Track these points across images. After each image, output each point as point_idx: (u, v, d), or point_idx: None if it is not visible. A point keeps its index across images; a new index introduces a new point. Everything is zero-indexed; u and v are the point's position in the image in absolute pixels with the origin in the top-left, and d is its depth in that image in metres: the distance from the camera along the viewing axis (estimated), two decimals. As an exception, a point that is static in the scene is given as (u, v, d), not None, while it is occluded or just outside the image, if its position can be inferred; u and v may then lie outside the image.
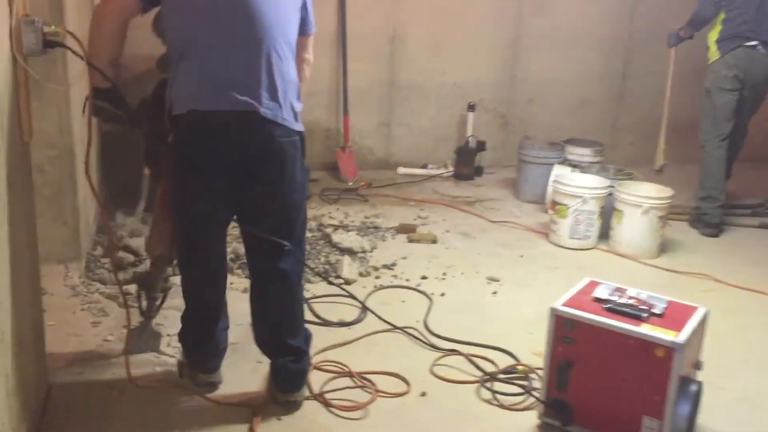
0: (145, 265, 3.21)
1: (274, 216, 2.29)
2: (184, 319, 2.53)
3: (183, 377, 2.54)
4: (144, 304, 2.69)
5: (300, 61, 2.37)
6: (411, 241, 4.01)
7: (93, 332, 2.86)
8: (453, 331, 2.99)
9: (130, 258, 3.47)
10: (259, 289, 2.43)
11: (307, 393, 2.50)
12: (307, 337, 2.54)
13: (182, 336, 2.56)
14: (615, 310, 2.26)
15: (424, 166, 5.41)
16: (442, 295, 3.37)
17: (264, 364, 2.60)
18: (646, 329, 2.18)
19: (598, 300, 2.33)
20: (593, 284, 2.45)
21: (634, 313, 2.24)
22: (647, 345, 2.15)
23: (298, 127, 2.27)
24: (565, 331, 2.28)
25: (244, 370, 2.64)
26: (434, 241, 4.02)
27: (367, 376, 2.63)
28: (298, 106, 2.27)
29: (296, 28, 2.28)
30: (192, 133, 2.17)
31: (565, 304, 2.32)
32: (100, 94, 2.21)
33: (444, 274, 3.61)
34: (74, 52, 2.12)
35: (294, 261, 2.36)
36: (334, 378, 2.63)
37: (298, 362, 2.44)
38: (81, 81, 3.14)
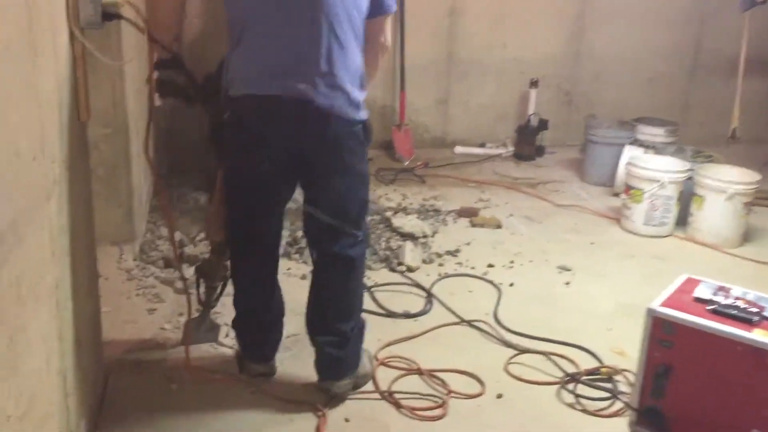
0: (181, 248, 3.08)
1: (332, 202, 2.16)
2: (235, 305, 2.42)
3: (242, 372, 2.41)
4: (203, 293, 2.55)
5: (373, 45, 2.18)
6: (474, 225, 3.81)
7: (149, 319, 2.74)
8: (525, 325, 2.79)
9: (185, 242, 3.34)
10: (318, 273, 2.31)
11: (351, 387, 2.34)
12: (360, 328, 2.38)
13: (235, 323, 2.44)
14: (721, 313, 2.04)
15: (482, 145, 5.19)
16: (511, 285, 3.17)
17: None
18: (757, 335, 1.96)
19: (700, 300, 2.11)
20: (692, 282, 2.23)
21: (743, 317, 2.02)
22: (759, 353, 1.94)
23: (361, 116, 2.12)
24: (663, 333, 2.07)
25: (308, 363, 2.49)
26: (498, 226, 3.81)
27: (438, 374, 2.46)
28: (361, 96, 2.11)
29: (365, 9, 2.09)
30: (247, 117, 2.10)
31: (663, 305, 2.10)
32: (165, 63, 2.10)
33: (511, 262, 3.41)
34: (135, 25, 1.96)
35: (354, 246, 2.23)
36: (402, 376, 2.47)
37: (339, 348, 2.28)
38: (138, 55, 3.01)
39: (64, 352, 1.70)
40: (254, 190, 2.17)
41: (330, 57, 2.01)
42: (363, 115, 2.13)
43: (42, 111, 1.54)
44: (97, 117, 2.93)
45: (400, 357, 2.56)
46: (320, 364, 2.33)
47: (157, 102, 2.18)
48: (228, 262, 2.49)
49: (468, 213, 3.94)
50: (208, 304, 2.57)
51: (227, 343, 2.59)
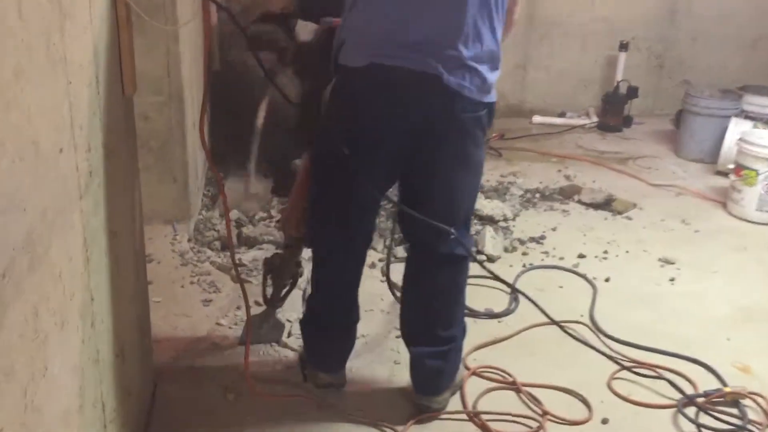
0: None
1: (444, 197, 1.87)
2: (311, 305, 2.11)
3: (307, 380, 2.12)
4: (269, 290, 2.26)
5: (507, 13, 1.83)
6: (616, 213, 3.38)
7: (203, 313, 2.47)
8: (627, 331, 2.43)
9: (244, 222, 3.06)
10: (421, 275, 2.01)
11: (449, 403, 2.06)
12: (463, 333, 2.10)
13: (305, 324, 2.13)
14: None
15: (562, 115, 4.75)
16: (607, 280, 2.80)
17: (402, 366, 2.15)
18: None
19: None
20: None
21: None
22: None
23: (489, 98, 1.80)
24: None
25: (378, 374, 2.20)
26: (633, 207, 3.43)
27: (533, 390, 2.13)
28: (494, 77, 1.79)
29: None
30: (360, 90, 1.80)
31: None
32: (270, 18, 1.95)
33: (605, 252, 3.02)
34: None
35: (459, 246, 1.93)
36: (493, 389, 2.15)
37: (442, 359, 2.01)
38: (195, 17, 2.69)
39: (102, 377, 1.43)
40: (356, 176, 1.83)
41: (470, 31, 1.71)
42: (492, 97, 1.82)
43: (72, 88, 1.24)
44: (148, 84, 2.66)
45: (492, 367, 2.23)
46: (419, 378, 2.05)
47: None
48: (300, 259, 2.20)
49: (570, 192, 3.55)
50: (274, 302, 2.29)
51: (291, 344, 2.31)
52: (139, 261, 1.88)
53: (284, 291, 2.28)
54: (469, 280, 2.69)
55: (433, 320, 2.00)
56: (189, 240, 2.93)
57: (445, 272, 1.96)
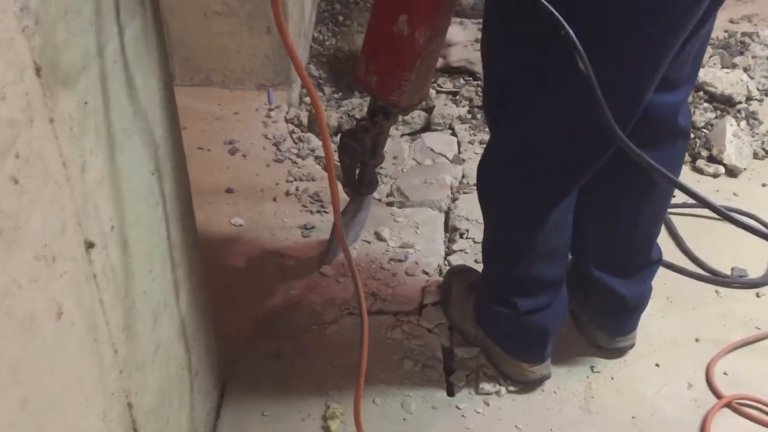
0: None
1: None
2: (502, 252, 1.32)
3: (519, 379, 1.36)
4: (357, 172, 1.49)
5: None
6: None
7: (303, 245, 1.69)
8: None
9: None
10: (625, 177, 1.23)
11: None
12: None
13: (492, 296, 1.36)
14: None
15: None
16: None
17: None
18: None
19: None
20: None
21: None
22: None
23: None
24: None
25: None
26: None
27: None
28: None
29: None
30: None
31: None
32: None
33: None
34: None
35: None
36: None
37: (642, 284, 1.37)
38: None
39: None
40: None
41: None
42: None
43: None
44: None
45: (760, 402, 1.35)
46: (611, 314, 1.40)
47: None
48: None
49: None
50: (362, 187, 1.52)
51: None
52: (195, 262, 1.08)
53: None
54: (691, 209, 1.77)
55: (648, 235, 1.34)
56: (288, 120, 2.11)
57: (680, 147, 1.25)
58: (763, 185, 1.87)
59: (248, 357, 1.42)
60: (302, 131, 2.08)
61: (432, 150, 2.02)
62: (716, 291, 1.58)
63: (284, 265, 1.63)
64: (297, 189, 1.85)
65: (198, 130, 2.04)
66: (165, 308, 1.00)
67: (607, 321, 1.41)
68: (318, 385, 1.36)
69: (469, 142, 2.06)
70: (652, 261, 1.37)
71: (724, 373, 1.40)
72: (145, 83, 0.84)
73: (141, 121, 0.85)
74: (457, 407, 1.34)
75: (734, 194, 1.84)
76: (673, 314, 1.51)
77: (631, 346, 1.43)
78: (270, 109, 2.14)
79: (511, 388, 1.37)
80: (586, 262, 1.36)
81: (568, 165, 1.14)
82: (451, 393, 1.37)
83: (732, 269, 1.62)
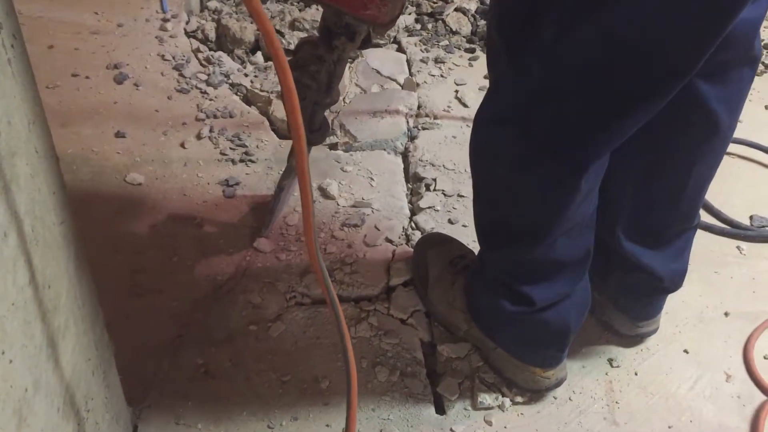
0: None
1: None
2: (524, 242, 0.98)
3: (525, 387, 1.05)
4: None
5: None
6: None
7: (224, 216, 1.29)
8: None
9: None
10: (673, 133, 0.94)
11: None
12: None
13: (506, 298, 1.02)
14: None
15: None
16: None
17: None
18: None
19: None
20: None
21: None
22: None
23: None
24: None
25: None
26: None
27: None
28: None
29: None
30: None
31: None
32: None
33: None
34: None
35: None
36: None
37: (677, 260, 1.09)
38: None
39: None
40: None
41: None
42: None
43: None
44: None
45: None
46: (637, 295, 1.11)
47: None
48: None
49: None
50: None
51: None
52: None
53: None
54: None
55: (692, 202, 1.06)
56: (191, 34, 1.64)
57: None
58: None
59: (167, 378, 1.04)
60: (210, 49, 1.63)
61: (378, 72, 1.62)
62: (738, 247, 1.32)
63: (205, 238, 1.23)
64: (211, 130, 1.42)
65: (70, 49, 1.55)
66: (36, 390, 0.61)
67: (631, 303, 1.12)
68: (264, 411, 1.02)
69: (422, 61, 1.67)
70: (691, 227, 1.07)
71: (765, 357, 1.15)
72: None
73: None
74: (451, 430, 1.03)
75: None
76: (693, 281, 1.24)
77: (655, 331, 1.16)
78: (165, 20, 1.67)
79: (518, 399, 1.07)
80: (612, 234, 1.04)
81: (639, 92, 0.78)
82: (441, 410, 1.06)
83: (751, 218, 1.36)
